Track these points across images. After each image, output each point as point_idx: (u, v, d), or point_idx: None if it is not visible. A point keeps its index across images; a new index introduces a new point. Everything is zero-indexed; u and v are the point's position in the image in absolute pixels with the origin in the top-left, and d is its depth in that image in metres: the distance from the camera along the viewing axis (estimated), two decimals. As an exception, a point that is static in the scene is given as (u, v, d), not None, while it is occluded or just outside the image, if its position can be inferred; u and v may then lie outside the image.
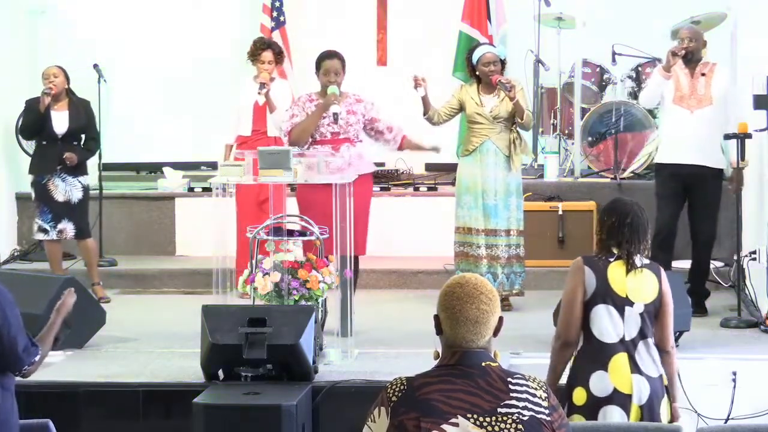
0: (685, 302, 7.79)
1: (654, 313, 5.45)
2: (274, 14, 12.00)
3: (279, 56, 9.68)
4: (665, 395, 5.46)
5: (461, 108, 9.01)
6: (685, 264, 9.09)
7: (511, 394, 3.65)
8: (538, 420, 3.65)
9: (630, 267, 5.42)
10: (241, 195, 9.33)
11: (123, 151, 11.76)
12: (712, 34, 10.74)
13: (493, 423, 3.61)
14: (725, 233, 9.68)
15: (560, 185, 10.78)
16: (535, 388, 3.70)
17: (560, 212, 10.25)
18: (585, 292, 5.42)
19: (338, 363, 7.34)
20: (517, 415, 3.63)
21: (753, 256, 8.75)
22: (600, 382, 5.37)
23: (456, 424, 3.60)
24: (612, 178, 10.77)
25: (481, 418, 3.61)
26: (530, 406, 3.65)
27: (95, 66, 10.67)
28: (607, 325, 5.40)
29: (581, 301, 5.42)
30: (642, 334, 5.41)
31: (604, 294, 5.40)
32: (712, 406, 7.15)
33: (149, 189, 11.48)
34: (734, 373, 7.29)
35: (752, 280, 8.80)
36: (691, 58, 8.75)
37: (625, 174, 10.79)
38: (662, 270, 5.53)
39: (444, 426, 3.60)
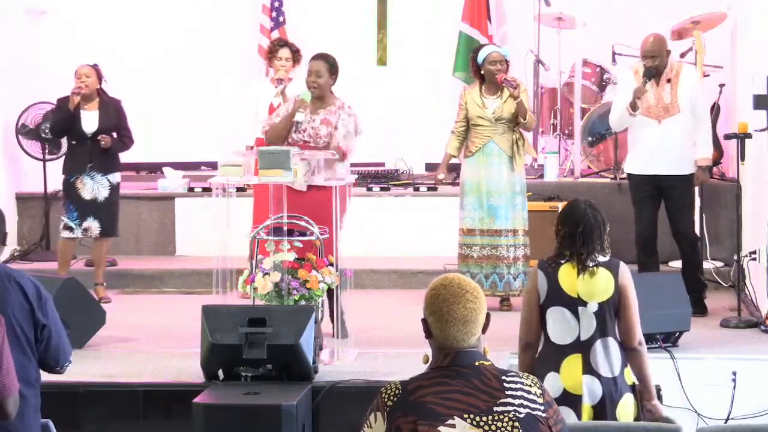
0: (684, 302, 7.79)
1: (614, 309, 5.47)
2: (274, 14, 12.03)
3: (296, 55, 9.67)
4: (628, 393, 5.46)
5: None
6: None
7: (507, 393, 3.66)
8: (534, 417, 3.65)
9: (581, 268, 5.44)
10: (259, 197, 9.29)
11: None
12: (712, 34, 10.75)
13: (490, 422, 3.61)
14: (725, 233, 9.68)
15: (560, 185, 10.77)
16: (530, 385, 3.70)
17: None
18: (539, 296, 5.46)
19: (337, 363, 7.35)
20: (513, 413, 3.63)
21: (753, 256, 8.74)
22: (552, 383, 5.42)
23: (453, 426, 3.60)
24: (612, 178, 10.77)
25: (477, 418, 3.61)
26: (526, 403, 3.66)
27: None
28: (561, 327, 5.46)
29: (536, 304, 5.49)
30: (600, 333, 5.45)
31: (556, 296, 5.46)
32: (712, 406, 7.16)
33: (149, 189, 11.47)
34: (734, 373, 7.30)
35: (752, 280, 8.80)
36: (656, 73, 8.68)
37: (625, 174, 10.78)
38: (622, 266, 5.53)
39: (441, 428, 3.59)
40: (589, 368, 5.41)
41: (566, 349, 5.44)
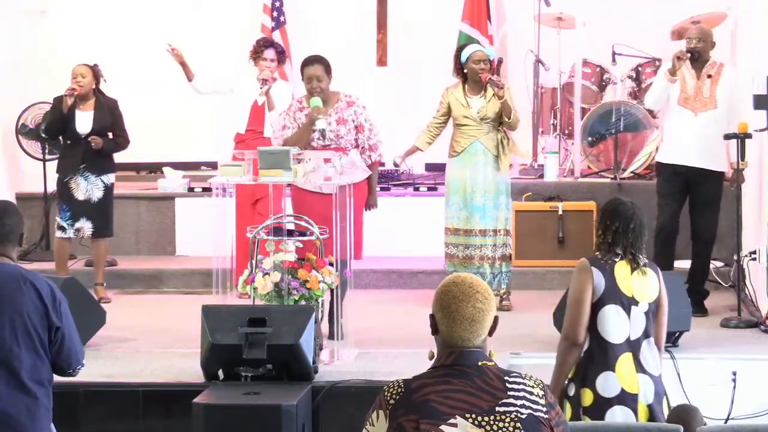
0: (685, 302, 7.79)
1: (654, 311, 5.48)
2: (274, 14, 12.03)
3: (281, 56, 9.68)
4: (665, 393, 5.50)
5: (449, 111, 8.99)
6: (685, 264, 9.09)
7: (509, 393, 3.65)
8: (536, 418, 3.65)
9: (634, 266, 5.46)
10: (239, 195, 9.32)
11: (123, 151, 11.74)
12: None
13: (492, 422, 3.61)
14: (725, 233, 9.67)
15: (560, 185, 10.78)
16: (532, 386, 3.70)
17: (560, 212, 10.25)
18: (594, 294, 5.45)
19: (337, 363, 7.35)
20: (515, 413, 3.63)
21: (753, 256, 8.75)
22: (607, 383, 5.40)
23: (455, 425, 3.60)
24: (612, 178, 10.77)
25: (479, 418, 3.61)
26: (528, 404, 3.66)
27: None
28: (615, 325, 5.45)
29: (589, 302, 5.46)
30: (645, 334, 5.47)
31: (613, 294, 5.45)
32: (712, 406, 7.16)
33: (149, 189, 11.48)
34: (734, 373, 7.31)
35: (752, 280, 8.80)
36: (698, 59, 8.69)
37: (625, 174, 10.80)
38: (659, 269, 5.60)
39: (443, 427, 3.59)
40: (641, 367, 5.43)
41: (619, 348, 5.44)
